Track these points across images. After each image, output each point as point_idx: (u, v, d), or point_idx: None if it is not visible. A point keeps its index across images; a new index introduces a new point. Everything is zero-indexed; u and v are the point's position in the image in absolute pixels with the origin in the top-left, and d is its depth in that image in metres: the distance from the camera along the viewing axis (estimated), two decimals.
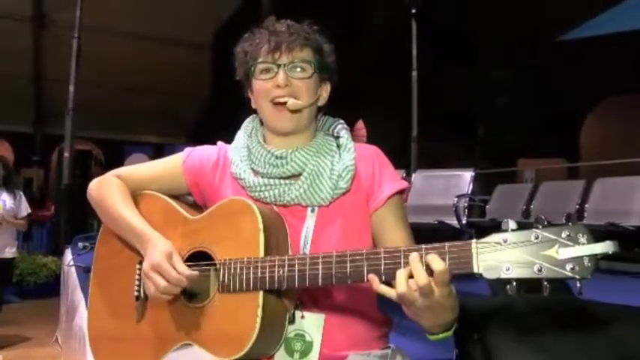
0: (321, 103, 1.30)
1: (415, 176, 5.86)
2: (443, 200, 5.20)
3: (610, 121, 10.53)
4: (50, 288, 6.16)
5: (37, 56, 11.86)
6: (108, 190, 1.29)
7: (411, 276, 0.96)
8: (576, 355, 1.19)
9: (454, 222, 4.88)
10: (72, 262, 4.26)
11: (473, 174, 5.43)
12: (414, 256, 0.96)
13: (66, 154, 6.90)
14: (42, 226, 9.26)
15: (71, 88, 6.87)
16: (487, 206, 6.04)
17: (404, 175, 5.61)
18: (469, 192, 5.27)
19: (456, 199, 5.00)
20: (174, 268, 1.11)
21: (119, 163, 1.44)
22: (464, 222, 4.88)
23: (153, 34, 11.59)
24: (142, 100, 12.18)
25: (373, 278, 0.98)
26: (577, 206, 5.25)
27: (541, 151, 10.17)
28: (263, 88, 1.24)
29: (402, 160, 6.65)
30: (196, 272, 1.13)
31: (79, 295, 2.97)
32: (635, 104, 9.71)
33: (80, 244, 4.60)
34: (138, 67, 11.63)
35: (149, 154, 12.10)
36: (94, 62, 8.72)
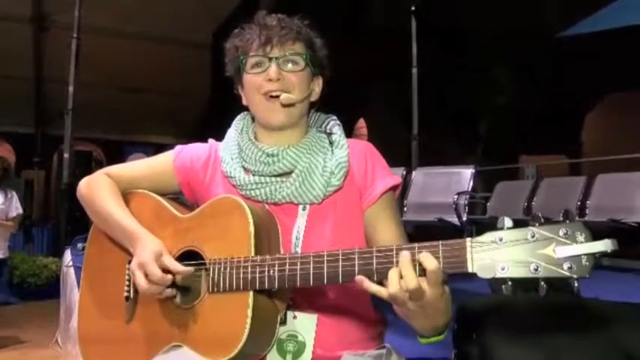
0: (313, 98, 1.27)
1: (415, 173, 5.83)
2: (443, 198, 5.17)
3: (611, 117, 10.50)
4: (51, 289, 6.15)
5: (37, 57, 11.84)
6: (98, 188, 1.27)
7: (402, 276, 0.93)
8: (576, 354, 1.17)
9: (455, 219, 4.85)
10: (71, 263, 4.26)
11: (473, 171, 5.39)
12: (404, 258, 0.93)
13: (65, 155, 6.89)
14: (42, 227, 9.25)
15: (70, 88, 6.86)
16: (488, 203, 6.02)
17: (404, 172, 5.59)
18: (470, 189, 5.24)
19: (456, 197, 4.97)
20: (165, 267, 1.10)
21: (120, 163, 1.42)
22: (464, 219, 4.85)
23: (152, 34, 11.56)
24: (142, 100, 12.16)
25: (361, 279, 0.96)
26: (578, 203, 5.22)
27: (542, 147, 10.15)
28: (254, 82, 1.21)
29: (402, 158, 6.63)
30: (190, 269, 1.11)
31: (77, 296, 2.96)
32: (636, 100, 9.67)
33: (80, 245, 4.58)
34: (137, 67, 11.61)
35: (149, 154, 12.03)
36: (93, 63, 8.70)
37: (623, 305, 1.44)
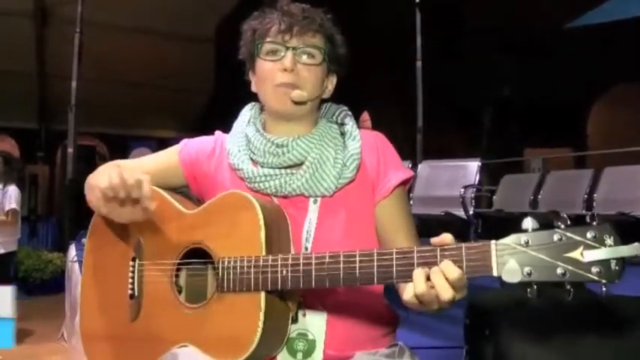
0: (326, 95, 1.24)
1: (421, 167, 5.81)
2: (449, 191, 5.15)
3: (617, 109, 10.43)
4: (56, 284, 6.14)
5: (40, 52, 11.82)
6: (101, 172, 1.21)
7: (428, 277, 0.91)
8: (596, 354, 1.13)
9: (461, 213, 4.83)
10: (75, 258, 4.24)
11: (479, 164, 5.37)
12: (435, 271, 0.90)
13: (69, 150, 6.90)
14: (47, 222, 9.26)
15: (73, 83, 6.85)
16: (494, 197, 5.98)
17: (409, 165, 5.56)
18: (476, 182, 5.21)
19: (462, 190, 4.94)
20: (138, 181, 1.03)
21: (123, 158, 1.38)
22: (471, 213, 4.83)
23: (155, 28, 11.52)
24: (146, 94, 12.13)
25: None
26: (585, 196, 5.18)
27: (548, 140, 10.10)
28: (267, 69, 1.17)
29: (407, 151, 6.60)
30: (149, 188, 1.03)
31: None
32: None
33: (84, 240, 4.55)
34: (141, 61, 11.56)
35: (153, 149, 12.05)
36: (96, 57, 8.68)
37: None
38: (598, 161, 7.61)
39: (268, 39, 1.17)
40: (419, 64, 7.58)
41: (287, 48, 1.15)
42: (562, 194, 5.36)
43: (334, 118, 1.26)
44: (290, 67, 1.14)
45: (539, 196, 5.56)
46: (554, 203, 5.19)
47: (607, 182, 5.15)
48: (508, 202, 5.55)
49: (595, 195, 5.12)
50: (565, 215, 0.85)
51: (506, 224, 5.15)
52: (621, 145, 6.83)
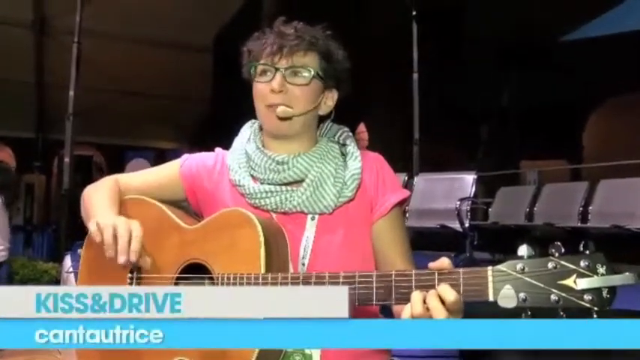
0: (323, 111, 1.25)
1: (417, 179, 5.83)
2: (445, 204, 5.17)
3: (613, 122, 10.48)
4: None
5: (38, 61, 11.84)
6: (97, 187, 1.25)
7: (425, 300, 0.94)
8: None
9: (457, 225, 4.84)
10: (71, 269, 4.24)
11: (475, 177, 5.39)
12: (431, 294, 0.93)
13: (66, 160, 6.87)
14: (43, 232, 9.22)
15: (71, 93, 6.84)
16: (490, 209, 6.00)
17: (406, 178, 5.58)
18: (472, 195, 5.23)
19: (458, 203, 4.96)
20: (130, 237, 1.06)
21: (120, 169, 1.39)
22: (466, 225, 4.84)
23: (153, 38, 11.55)
24: (143, 104, 12.13)
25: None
26: (581, 208, 5.20)
27: (543, 152, 10.14)
28: (259, 90, 1.20)
29: (403, 164, 6.62)
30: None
31: None
32: (637, 104, 9.67)
33: (80, 251, 4.53)
34: (138, 71, 11.58)
35: (150, 159, 12.06)
36: (94, 67, 8.70)
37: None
38: (594, 172, 7.65)
39: (261, 61, 1.20)
40: (415, 76, 7.62)
41: (276, 69, 1.18)
42: (557, 207, 5.38)
43: (336, 138, 1.28)
44: (277, 88, 1.17)
45: (535, 209, 5.59)
46: (549, 216, 5.22)
47: (602, 195, 5.18)
48: (504, 214, 5.58)
49: (590, 208, 5.15)
50: (559, 243, 0.89)
51: (502, 237, 5.17)
52: (617, 155, 6.87)
